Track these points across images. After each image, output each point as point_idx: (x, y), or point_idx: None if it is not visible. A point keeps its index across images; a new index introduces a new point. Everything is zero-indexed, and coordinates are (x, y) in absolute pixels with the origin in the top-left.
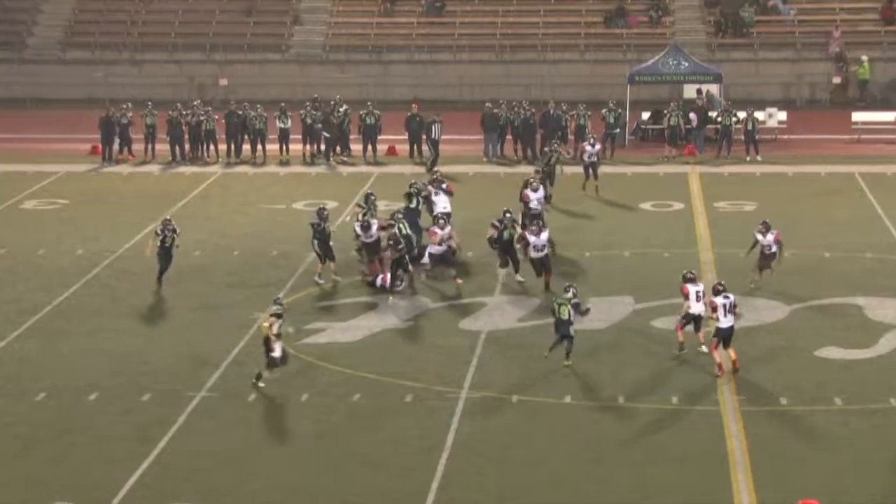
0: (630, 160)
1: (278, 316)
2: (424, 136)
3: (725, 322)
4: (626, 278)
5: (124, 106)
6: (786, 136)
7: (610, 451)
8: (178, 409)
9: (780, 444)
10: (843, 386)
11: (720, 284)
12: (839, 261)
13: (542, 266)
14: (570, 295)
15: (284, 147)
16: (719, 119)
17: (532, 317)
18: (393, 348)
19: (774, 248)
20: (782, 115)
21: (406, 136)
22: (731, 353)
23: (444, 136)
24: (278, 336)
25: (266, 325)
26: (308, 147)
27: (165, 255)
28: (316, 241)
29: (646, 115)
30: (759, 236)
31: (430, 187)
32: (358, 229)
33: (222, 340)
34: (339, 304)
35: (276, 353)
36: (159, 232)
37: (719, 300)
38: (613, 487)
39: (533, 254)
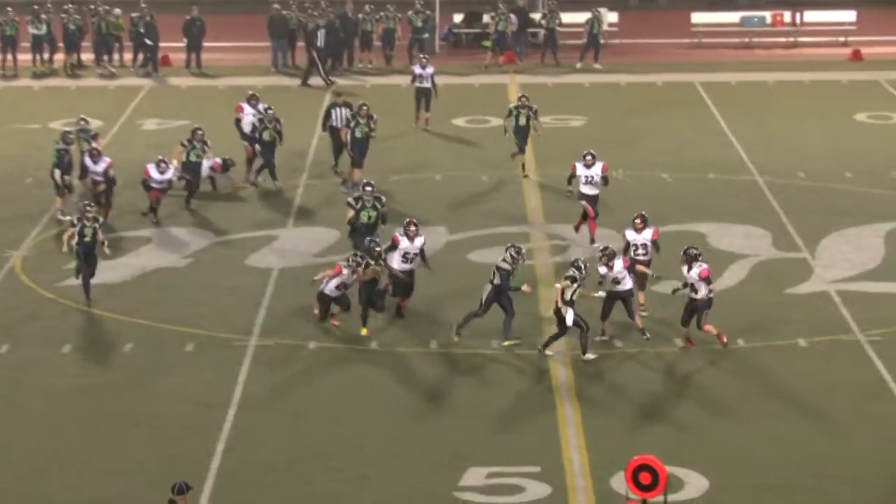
0: (441, 70)
1: (573, 280)
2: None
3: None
4: (437, 205)
5: None
6: (617, 41)
7: (416, 404)
8: None
9: (611, 392)
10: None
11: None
12: (679, 183)
13: (404, 285)
14: (506, 258)
15: (39, 57)
16: (542, 22)
17: (329, 252)
18: (170, 290)
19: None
20: (613, 17)
21: (184, 44)
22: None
23: (223, 44)
24: (570, 303)
25: (559, 287)
26: (68, 56)
27: (87, 257)
28: (58, 171)
29: (458, 18)
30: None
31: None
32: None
33: None
34: (107, 239)
35: (569, 322)
36: (76, 221)
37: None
38: (424, 446)
39: (397, 264)
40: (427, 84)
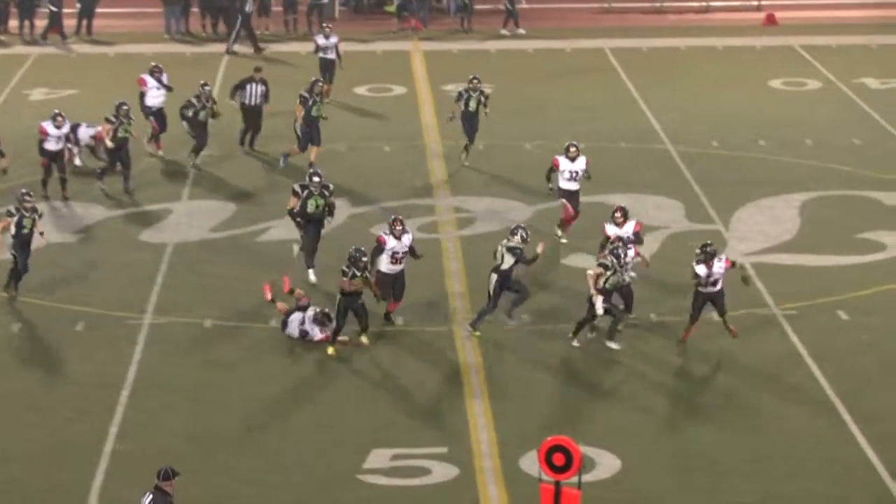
0: (342, 36)
1: (606, 267)
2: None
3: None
4: (339, 177)
5: None
6: (523, 6)
7: (318, 384)
8: None
9: (520, 371)
10: None
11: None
12: (591, 152)
13: (392, 286)
14: (517, 238)
15: None
16: None
17: (225, 227)
18: (60, 267)
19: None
20: None
21: (75, 9)
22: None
23: (114, 10)
24: (604, 291)
25: (592, 274)
26: None
27: (23, 248)
28: None
29: None
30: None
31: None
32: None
33: None
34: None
35: (599, 311)
36: (14, 211)
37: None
38: (326, 427)
39: (386, 266)
40: (331, 55)
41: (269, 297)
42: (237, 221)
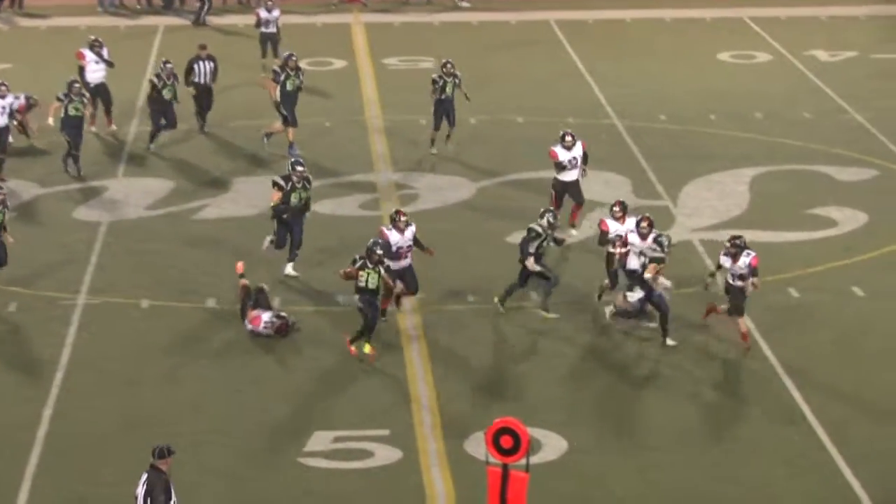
0: (282, 7)
1: (660, 261)
2: None
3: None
4: (278, 154)
5: None
6: None
7: (258, 365)
8: None
9: (465, 351)
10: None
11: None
12: (535, 127)
13: (403, 280)
14: (544, 222)
15: None
16: None
17: (162, 204)
18: None
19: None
20: None
21: None
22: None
23: None
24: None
25: (653, 267)
26: None
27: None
28: None
29: None
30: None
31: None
32: None
33: None
34: None
35: (635, 298)
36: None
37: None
38: (267, 409)
39: (394, 263)
40: (273, 29)
41: (240, 270)
42: (174, 199)
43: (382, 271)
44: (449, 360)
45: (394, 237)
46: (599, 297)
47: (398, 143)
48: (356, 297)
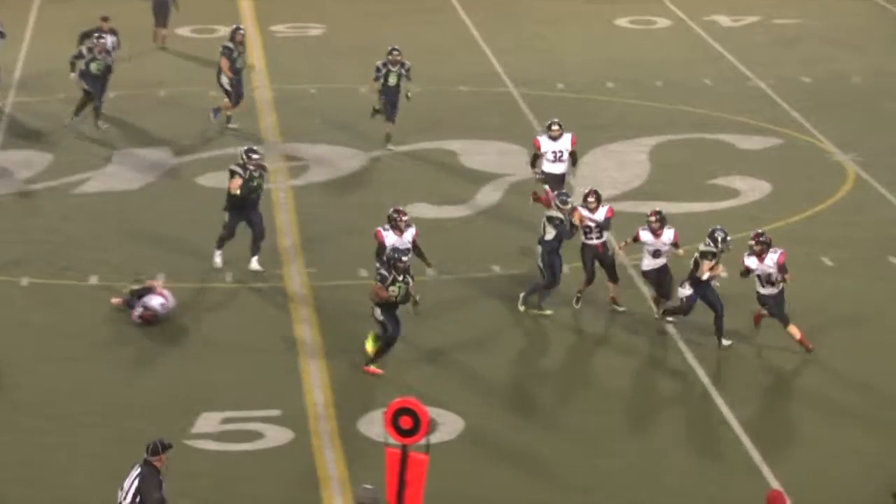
0: None
1: (711, 255)
2: None
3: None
4: (160, 124)
5: None
6: None
7: (142, 344)
8: None
9: (357, 328)
10: (436, 251)
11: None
12: (428, 96)
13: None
14: (556, 204)
15: None
16: None
17: (42, 178)
18: None
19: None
20: None
21: None
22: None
23: None
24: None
25: (706, 263)
26: None
27: None
28: None
29: None
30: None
31: None
32: None
33: None
34: None
35: (687, 292)
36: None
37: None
38: (152, 390)
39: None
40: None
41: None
42: (54, 173)
43: (411, 282)
44: (341, 338)
45: (390, 238)
46: (577, 300)
47: (286, 114)
48: (377, 309)
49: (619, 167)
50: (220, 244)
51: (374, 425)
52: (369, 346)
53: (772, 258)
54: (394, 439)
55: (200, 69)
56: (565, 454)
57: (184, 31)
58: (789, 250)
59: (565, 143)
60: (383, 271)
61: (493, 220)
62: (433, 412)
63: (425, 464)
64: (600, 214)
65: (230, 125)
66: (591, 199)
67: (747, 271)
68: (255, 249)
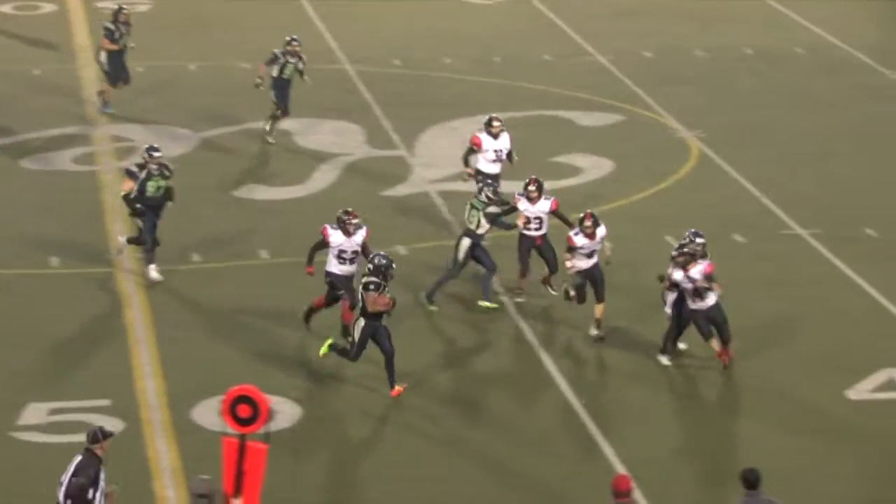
0: None
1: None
2: None
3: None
4: None
5: None
6: None
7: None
8: None
9: (189, 314)
10: (271, 234)
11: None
12: (240, 73)
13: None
14: (482, 197)
15: None
16: None
17: None
18: None
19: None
20: None
21: None
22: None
23: None
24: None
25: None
26: None
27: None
28: None
29: None
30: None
31: None
32: None
33: None
34: None
35: (712, 299)
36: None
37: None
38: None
39: (336, 267)
40: None
41: None
42: None
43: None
44: (173, 324)
45: (337, 238)
46: (517, 293)
47: (114, 93)
48: (361, 321)
49: (458, 145)
50: (150, 256)
51: (208, 414)
52: (324, 351)
53: (698, 270)
54: (232, 428)
55: (23, 47)
56: (408, 442)
57: (5, 8)
58: (632, 229)
59: (505, 141)
60: (374, 279)
61: (330, 200)
62: (272, 399)
63: (264, 453)
64: (543, 206)
65: (107, 110)
66: (531, 188)
67: (672, 286)
68: (149, 258)
